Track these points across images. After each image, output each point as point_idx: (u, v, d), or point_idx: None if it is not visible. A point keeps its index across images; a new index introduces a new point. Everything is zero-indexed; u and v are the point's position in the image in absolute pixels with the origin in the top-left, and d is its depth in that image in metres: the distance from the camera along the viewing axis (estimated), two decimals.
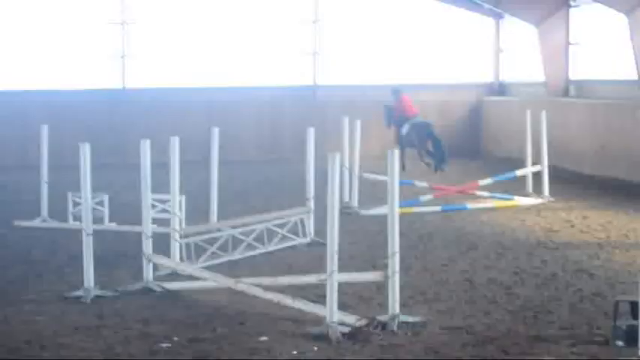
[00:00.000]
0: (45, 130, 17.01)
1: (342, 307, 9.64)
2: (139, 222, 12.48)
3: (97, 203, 14.97)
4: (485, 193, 18.64)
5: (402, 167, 20.74)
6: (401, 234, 9.92)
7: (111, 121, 26.93)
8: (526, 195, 18.76)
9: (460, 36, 29.50)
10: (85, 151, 11.30)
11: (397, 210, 9.81)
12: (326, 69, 29.35)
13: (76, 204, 15.45)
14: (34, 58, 27.83)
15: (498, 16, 29.37)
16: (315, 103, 28.86)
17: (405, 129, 22.80)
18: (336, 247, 9.40)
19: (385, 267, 9.93)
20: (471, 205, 17.85)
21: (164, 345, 9.08)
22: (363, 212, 17.09)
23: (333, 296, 9.33)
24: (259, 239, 13.68)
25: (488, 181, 18.75)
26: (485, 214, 17.21)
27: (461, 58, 29.63)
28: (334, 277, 9.37)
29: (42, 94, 27.38)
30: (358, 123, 17.94)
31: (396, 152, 9.89)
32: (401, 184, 10.49)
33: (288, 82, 29.16)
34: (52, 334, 9.52)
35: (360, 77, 29.37)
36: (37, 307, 10.69)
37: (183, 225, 13.77)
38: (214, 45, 28.67)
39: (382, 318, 9.60)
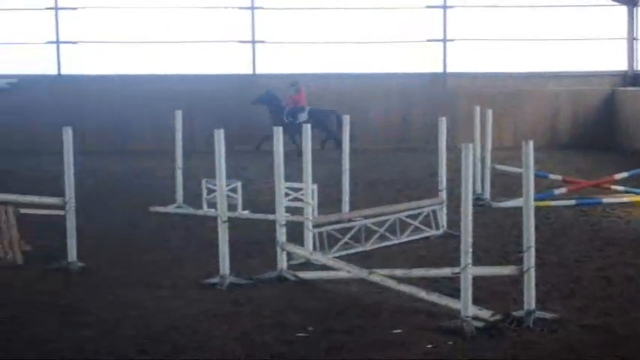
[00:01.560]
0: (179, 115, 17.31)
1: (476, 301, 9.54)
2: (271, 210, 12.63)
3: (230, 190, 15.14)
4: (621, 188, 18.18)
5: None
6: (535, 228, 9.75)
7: (241, 108, 27.23)
8: None
9: (593, 24, 28.90)
10: (220, 138, 11.42)
11: (533, 203, 9.66)
12: (456, 57, 29.10)
13: (210, 191, 15.71)
14: (168, 43, 28.39)
15: (632, 4, 28.67)
16: (444, 92, 28.65)
17: (302, 117, 25.60)
18: (470, 240, 9.29)
19: (520, 261, 9.81)
20: (606, 199, 17.43)
21: (300, 334, 9.16)
22: (496, 205, 16.88)
23: (467, 290, 9.24)
24: (391, 230, 13.66)
25: (624, 174, 18.27)
26: (621, 209, 16.80)
27: (593, 48, 29.03)
28: (468, 271, 9.28)
29: (174, 80, 27.91)
30: (490, 113, 17.72)
31: (530, 144, 9.69)
32: (534, 176, 10.28)
33: (417, 70, 29.01)
34: (189, 320, 9.69)
35: (491, 65, 29.04)
36: (173, 292, 10.90)
37: (316, 214, 13.85)
38: (343, 31, 28.76)
39: (517, 314, 9.48)
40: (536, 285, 9.70)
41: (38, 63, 28.16)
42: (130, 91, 27.47)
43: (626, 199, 17.58)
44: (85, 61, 28.29)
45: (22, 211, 12.14)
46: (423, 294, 10.05)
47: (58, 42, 28.19)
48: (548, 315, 9.57)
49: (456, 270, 9.59)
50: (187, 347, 8.79)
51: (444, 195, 14.36)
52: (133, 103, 27.28)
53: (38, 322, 9.61)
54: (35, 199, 12.88)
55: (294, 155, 20.63)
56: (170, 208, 16.67)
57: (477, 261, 9.98)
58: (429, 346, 8.81)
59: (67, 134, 12.20)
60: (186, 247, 13.60)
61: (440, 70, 29.14)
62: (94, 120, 26.75)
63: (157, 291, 10.97)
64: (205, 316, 9.88)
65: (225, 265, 11.22)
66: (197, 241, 13.90)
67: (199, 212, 16.15)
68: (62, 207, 12.18)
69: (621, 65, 29.19)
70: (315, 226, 12.76)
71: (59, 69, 28.32)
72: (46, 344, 8.82)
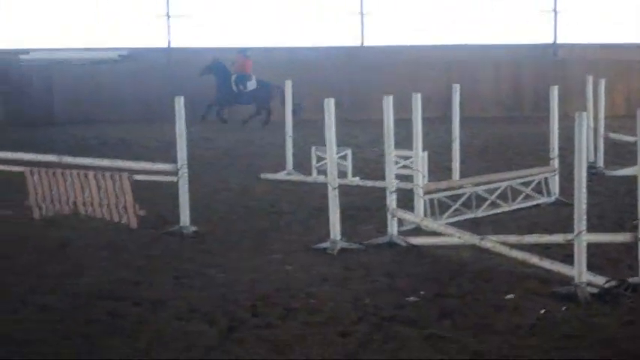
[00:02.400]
0: (289, 85, 17.48)
1: (590, 267, 9.38)
2: (380, 177, 12.63)
3: (341, 158, 15.18)
4: None
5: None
6: None
7: (349, 78, 27.27)
8: None
9: None
10: (330, 107, 11.47)
11: None
12: (566, 26, 28.63)
13: (319, 158, 15.79)
14: (278, 15, 28.54)
15: None
16: (555, 61, 28.23)
17: (250, 85, 25.72)
18: (584, 207, 9.15)
19: (635, 229, 9.63)
20: None
21: (411, 299, 9.16)
22: (609, 173, 16.60)
23: (581, 256, 9.12)
24: (502, 197, 13.54)
25: None
26: None
27: None
28: (582, 238, 9.15)
29: (283, 51, 28.08)
30: (602, 82, 17.40)
31: None
32: None
33: (527, 40, 28.65)
34: (300, 284, 9.76)
35: (602, 36, 28.50)
36: (285, 256, 10.99)
37: (426, 181, 13.81)
38: (451, 3, 28.55)
39: (633, 280, 9.32)
40: None
41: (149, 36, 28.66)
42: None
43: None
44: (194, 34, 28.66)
45: (136, 177, 12.36)
46: (535, 260, 9.94)
47: (168, 15, 28.60)
48: None
49: (570, 237, 9.47)
50: (299, 310, 8.85)
51: (555, 163, 14.16)
52: None
53: (154, 283, 9.80)
54: (148, 165, 13.10)
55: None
56: (280, 175, 16.83)
57: (591, 228, 9.79)
58: (543, 311, 8.71)
59: (179, 103, 12.41)
60: (296, 213, 13.69)
61: (550, 40, 28.72)
62: (203, 91, 27.04)
63: (268, 255, 11.08)
64: (316, 279, 9.94)
65: (335, 230, 11.27)
66: (307, 208, 13.98)
67: (309, 179, 16.26)
68: (175, 173, 12.37)
69: None
70: (426, 192, 12.71)
71: (169, 42, 28.76)
72: (163, 304, 8.99)
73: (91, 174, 12.42)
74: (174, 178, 12.41)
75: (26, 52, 28.00)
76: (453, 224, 12.11)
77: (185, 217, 12.33)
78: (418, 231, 11.78)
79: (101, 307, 8.91)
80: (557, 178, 14.15)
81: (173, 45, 28.75)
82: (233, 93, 25.69)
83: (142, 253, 11.26)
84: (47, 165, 13.11)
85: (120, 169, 12.75)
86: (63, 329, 8.22)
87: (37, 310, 8.82)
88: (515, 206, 13.60)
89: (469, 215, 13.00)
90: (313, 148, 16.24)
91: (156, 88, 26.83)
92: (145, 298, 9.20)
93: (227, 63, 26.00)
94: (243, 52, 26.12)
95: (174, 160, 12.50)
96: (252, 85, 25.57)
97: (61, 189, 12.60)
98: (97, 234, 12.25)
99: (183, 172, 12.31)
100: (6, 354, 7.57)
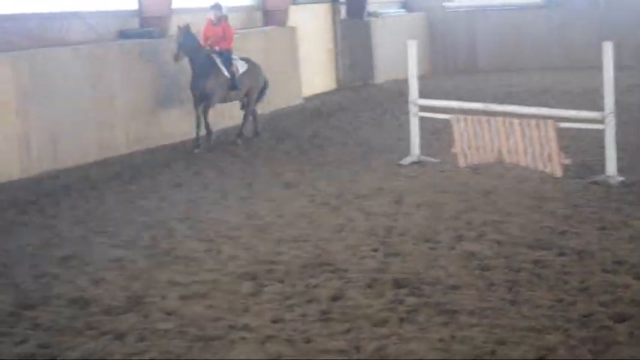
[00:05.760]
0: None
1: None
2: None
3: None
4: None
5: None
6: None
7: None
8: None
9: None
10: None
11: None
12: None
13: None
14: None
15: None
16: None
17: (240, 66, 16.65)
18: None
19: None
20: None
21: None
22: None
23: None
24: None
25: None
26: None
27: None
28: None
29: None
30: None
31: None
32: None
33: None
34: None
35: None
36: None
37: None
38: None
39: None
40: None
41: None
42: None
43: None
44: None
45: (561, 125, 12.20)
46: None
47: None
48: None
49: None
50: None
51: None
52: None
53: (580, 233, 9.65)
54: (574, 113, 12.88)
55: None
56: None
57: None
58: None
59: (608, 49, 12.05)
60: None
61: None
62: (633, 35, 26.05)
63: None
64: None
65: None
66: None
67: None
68: (601, 121, 12.06)
69: None
70: None
71: None
72: (588, 255, 8.84)
73: (515, 121, 12.44)
74: (600, 126, 12.11)
75: None
76: None
77: (612, 166, 12.02)
78: None
79: (526, 255, 8.93)
80: None
81: None
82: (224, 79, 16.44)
83: (567, 202, 11.14)
84: (472, 112, 13.30)
85: (545, 117, 12.66)
86: (488, 276, 8.32)
87: (463, 257, 9.00)
88: None
89: None
90: None
91: (580, 34, 26.28)
92: (570, 248, 9.09)
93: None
94: (216, 10, 16.58)
95: (599, 108, 12.19)
96: (241, 65, 16.78)
97: (485, 137, 12.74)
98: (522, 182, 12.26)
99: (610, 120, 11.96)
100: (431, 294, 7.80)
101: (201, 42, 16.28)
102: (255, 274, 8.64)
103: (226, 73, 16.23)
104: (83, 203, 12.12)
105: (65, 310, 7.85)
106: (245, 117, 16.99)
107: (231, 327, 7.27)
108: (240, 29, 19.70)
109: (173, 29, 16.68)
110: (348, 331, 7.09)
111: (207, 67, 16.03)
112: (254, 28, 20.90)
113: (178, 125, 16.41)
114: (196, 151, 15.66)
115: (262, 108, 18.11)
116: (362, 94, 22.91)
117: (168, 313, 7.67)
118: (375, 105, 20.68)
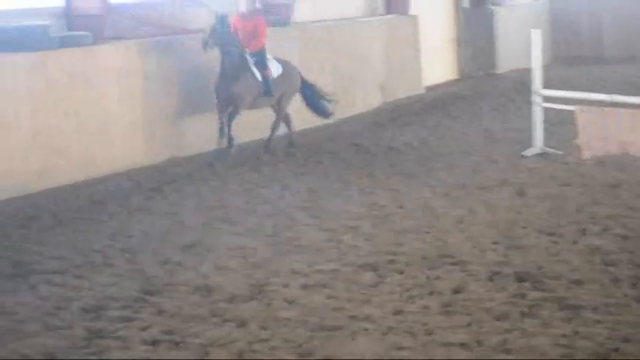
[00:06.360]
0: None
1: None
2: None
3: None
4: None
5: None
6: None
7: None
8: None
9: None
10: None
11: None
12: None
13: None
14: None
15: None
16: None
17: (275, 68, 14.52)
18: None
19: None
20: None
21: None
22: None
23: None
24: None
25: None
26: None
27: None
28: None
29: None
30: None
31: None
32: None
33: None
34: None
35: None
36: None
37: None
38: None
39: None
40: None
41: None
42: None
43: None
44: None
45: None
46: None
47: None
48: None
49: None
50: None
51: None
52: None
53: None
54: None
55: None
56: None
57: None
58: None
59: None
60: None
61: None
62: None
63: None
64: None
65: None
66: None
67: None
68: None
69: None
70: None
71: None
72: None
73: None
74: None
75: None
76: None
77: None
78: None
79: None
80: None
81: None
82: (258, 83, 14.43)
83: None
84: (596, 104, 13.06)
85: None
86: (612, 271, 8.18)
87: (587, 251, 8.86)
88: None
89: None
90: None
91: None
92: None
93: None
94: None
95: None
96: (276, 68, 14.66)
97: (610, 128, 12.49)
98: None
99: None
100: (554, 288, 7.71)
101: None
102: (375, 265, 8.67)
103: (258, 76, 14.30)
104: (205, 190, 12.31)
105: (189, 297, 8.01)
106: (275, 125, 14.94)
107: (352, 317, 7.31)
108: (361, 17, 19.72)
109: None
110: (470, 324, 7.07)
111: (238, 67, 14.07)
112: (375, 17, 20.86)
113: (302, 112, 16.49)
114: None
115: (383, 98, 18.03)
116: (484, 84, 22.69)
117: (290, 302, 7.76)
118: (498, 95, 20.47)
